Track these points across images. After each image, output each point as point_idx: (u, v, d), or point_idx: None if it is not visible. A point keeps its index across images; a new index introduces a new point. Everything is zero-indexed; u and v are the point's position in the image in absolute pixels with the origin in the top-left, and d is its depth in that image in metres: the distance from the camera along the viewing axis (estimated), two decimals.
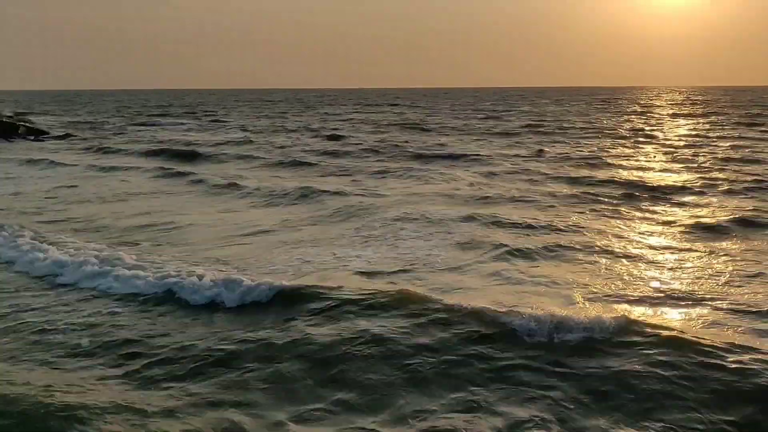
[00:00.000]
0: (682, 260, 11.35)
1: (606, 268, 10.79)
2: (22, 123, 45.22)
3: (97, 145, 35.40)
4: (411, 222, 14.31)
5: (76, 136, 43.12)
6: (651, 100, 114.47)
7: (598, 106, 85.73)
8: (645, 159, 27.14)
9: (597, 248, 11.98)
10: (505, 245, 12.10)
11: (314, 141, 37.65)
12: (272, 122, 57.64)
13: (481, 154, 28.89)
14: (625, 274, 10.50)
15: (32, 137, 41.27)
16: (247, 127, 50.36)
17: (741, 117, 56.53)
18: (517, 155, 28.88)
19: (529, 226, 13.96)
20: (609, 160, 26.05)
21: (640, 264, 11.11)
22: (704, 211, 15.72)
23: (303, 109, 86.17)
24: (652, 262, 11.28)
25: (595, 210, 15.91)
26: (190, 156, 30.20)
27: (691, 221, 14.46)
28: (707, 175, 21.37)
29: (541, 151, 29.81)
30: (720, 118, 56.27)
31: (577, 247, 12.10)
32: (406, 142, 35.19)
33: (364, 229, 13.93)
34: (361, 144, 34.38)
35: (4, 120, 44.37)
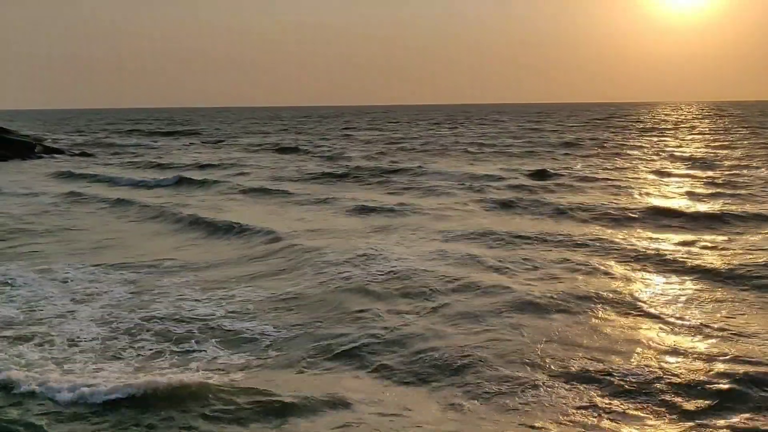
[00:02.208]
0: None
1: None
2: (38, 142, 46.01)
3: (79, 172, 33.68)
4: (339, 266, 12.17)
5: (92, 155, 43.88)
6: (666, 115, 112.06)
7: (614, 123, 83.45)
8: (666, 181, 25.05)
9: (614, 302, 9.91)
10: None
11: (304, 163, 35.78)
12: (278, 139, 56.60)
13: (477, 176, 26.96)
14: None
15: (48, 156, 42.14)
16: (242, 147, 49.07)
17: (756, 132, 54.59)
18: (516, 175, 27.02)
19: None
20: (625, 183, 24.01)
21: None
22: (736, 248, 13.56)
23: (310, 127, 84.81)
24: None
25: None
26: (179, 182, 28.33)
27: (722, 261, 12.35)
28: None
29: (544, 171, 27.77)
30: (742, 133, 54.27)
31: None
32: (398, 163, 32.85)
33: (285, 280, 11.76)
34: (353, 167, 32.11)
35: (21, 139, 44.91)
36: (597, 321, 9.16)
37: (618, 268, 11.94)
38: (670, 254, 12.88)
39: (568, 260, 12.50)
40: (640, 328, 8.87)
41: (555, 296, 10.08)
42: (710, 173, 26.64)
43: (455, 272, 11.65)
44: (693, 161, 32.17)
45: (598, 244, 13.89)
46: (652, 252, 13.10)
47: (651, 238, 14.61)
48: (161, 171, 33.05)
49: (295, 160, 37.94)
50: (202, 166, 34.57)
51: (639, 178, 25.59)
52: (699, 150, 38.76)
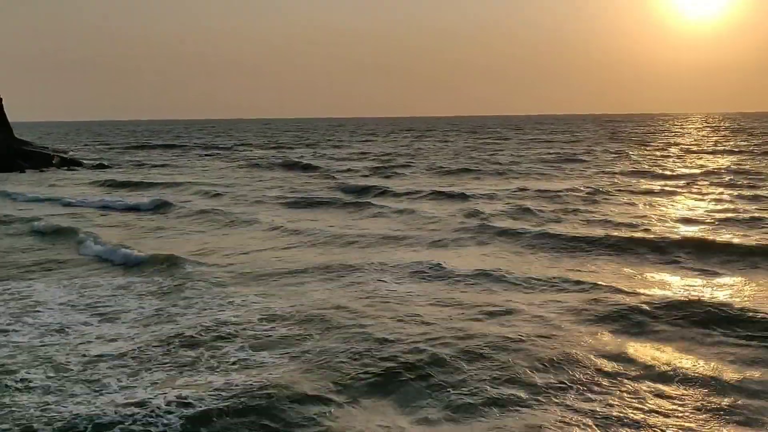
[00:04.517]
0: None
1: None
2: (57, 154, 46.04)
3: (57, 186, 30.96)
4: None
5: (109, 167, 43.13)
6: (682, 127, 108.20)
7: (627, 136, 79.68)
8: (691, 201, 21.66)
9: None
10: None
11: (294, 180, 32.95)
12: (277, 152, 55.60)
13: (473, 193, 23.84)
14: None
15: (66, 168, 41.88)
16: (250, 163, 46.33)
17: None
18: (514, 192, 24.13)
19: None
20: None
21: None
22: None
23: (316, 138, 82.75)
24: None
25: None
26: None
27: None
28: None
29: (553, 191, 24.52)
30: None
31: None
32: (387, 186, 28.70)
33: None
34: (340, 186, 29.01)
35: (40, 151, 45.35)
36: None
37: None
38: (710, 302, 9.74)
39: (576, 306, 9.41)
40: None
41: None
42: (744, 193, 23.11)
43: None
44: (715, 175, 28.77)
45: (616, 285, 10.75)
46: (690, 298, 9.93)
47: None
48: (145, 190, 30.35)
49: (302, 176, 35.12)
50: (194, 183, 31.69)
51: (677, 203, 21.65)
52: (721, 165, 34.86)
